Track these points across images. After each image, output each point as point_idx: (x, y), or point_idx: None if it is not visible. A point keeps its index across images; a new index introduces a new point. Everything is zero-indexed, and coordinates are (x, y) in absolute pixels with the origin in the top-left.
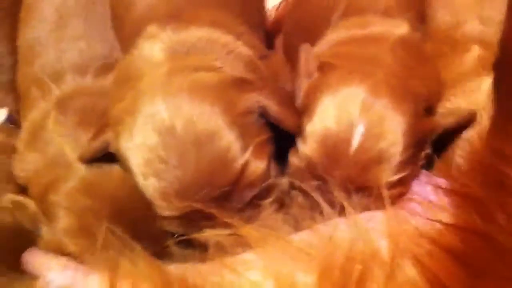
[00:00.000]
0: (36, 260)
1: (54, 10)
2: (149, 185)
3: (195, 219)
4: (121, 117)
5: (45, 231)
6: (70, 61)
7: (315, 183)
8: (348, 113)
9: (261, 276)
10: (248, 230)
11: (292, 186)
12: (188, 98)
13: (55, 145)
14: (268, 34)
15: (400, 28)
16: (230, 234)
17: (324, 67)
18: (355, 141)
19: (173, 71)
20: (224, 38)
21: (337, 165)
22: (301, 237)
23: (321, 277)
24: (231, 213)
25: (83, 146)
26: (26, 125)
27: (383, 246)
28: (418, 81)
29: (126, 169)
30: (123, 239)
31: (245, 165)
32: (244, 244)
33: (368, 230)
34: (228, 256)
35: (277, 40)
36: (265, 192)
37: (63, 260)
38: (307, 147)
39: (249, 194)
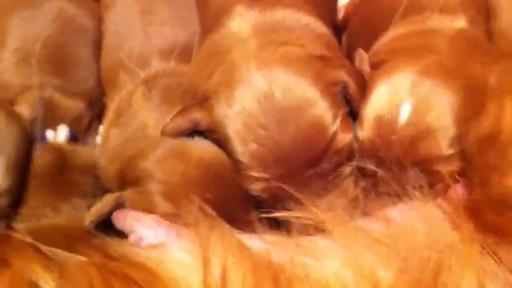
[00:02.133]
0: (128, 216)
1: None
2: (248, 150)
3: (282, 194)
4: (215, 90)
5: (131, 192)
6: (156, 47)
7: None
8: (398, 94)
9: (340, 265)
10: (329, 216)
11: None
12: (282, 68)
13: (138, 120)
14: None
15: (459, 22)
16: (310, 218)
17: (378, 64)
18: (403, 117)
19: (263, 45)
20: (305, 18)
21: (390, 144)
22: (377, 226)
23: (400, 270)
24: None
25: (166, 123)
26: (112, 105)
27: (456, 237)
28: (478, 65)
29: (222, 139)
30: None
31: (335, 133)
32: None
33: (442, 220)
34: (307, 239)
35: (342, 38)
36: (346, 161)
37: (155, 217)
38: (363, 131)
39: (335, 161)
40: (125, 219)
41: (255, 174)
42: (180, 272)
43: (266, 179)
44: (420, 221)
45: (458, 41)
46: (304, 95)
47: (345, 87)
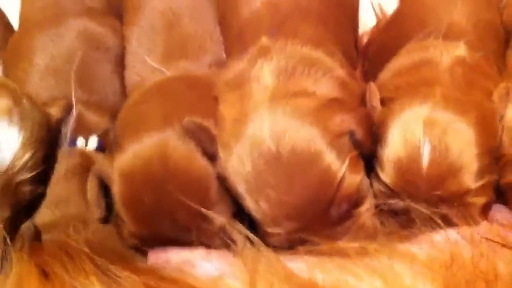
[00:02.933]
0: (178, 255)
1: (163, 10)
2: (259, 209)
3: (300, 235)
4: (227, 143)
5: None
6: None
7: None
8: (413, 135)
9: (382, 284)
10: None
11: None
12: (291, 124)
13: None
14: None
15: (458, 49)
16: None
17: (388, 101)
18: (425, 160)
19: (276, 97)
20: (323, 58)
21: (415, 187)
22: (420, 249)
23: None
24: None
25: None
26: None
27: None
28: (481, 92)
29: (234, 193)
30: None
31: (343, 180)
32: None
33: (487, 248)
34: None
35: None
36: (359, 203)
37: (201, 251)
38: (385, 175)
39: (346, 206)
40: (177, 259)
41: (269, 230)
42: None
43: (281, 234)
44: (464, 247)
45: (458, 70)
46: (311, 151)
47: (352, 134)
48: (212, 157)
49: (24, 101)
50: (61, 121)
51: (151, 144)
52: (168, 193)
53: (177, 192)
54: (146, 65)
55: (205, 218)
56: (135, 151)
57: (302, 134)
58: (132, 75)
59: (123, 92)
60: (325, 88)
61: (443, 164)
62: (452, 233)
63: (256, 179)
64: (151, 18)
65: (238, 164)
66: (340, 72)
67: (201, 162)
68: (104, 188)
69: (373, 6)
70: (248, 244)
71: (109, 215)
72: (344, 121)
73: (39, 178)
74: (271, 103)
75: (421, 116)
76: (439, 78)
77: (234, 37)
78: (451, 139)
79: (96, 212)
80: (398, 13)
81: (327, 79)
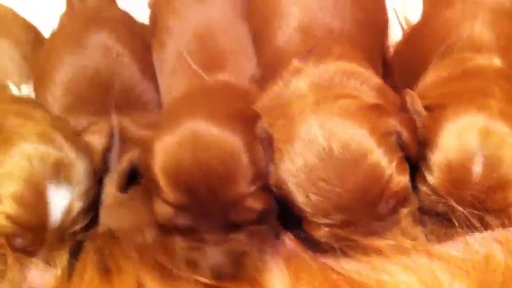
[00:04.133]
0: None
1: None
2: (311, 203)
3: (346, 237)
4: (278, 147)
5: None
6: None
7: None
8: (468, 143)
9: (419, 283)
10: (401, 240)
11: (422, 211)
12: (339, 122)
13: None
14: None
15: (496, 61)
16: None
17: (434, 107)
18: (477, 169)
19: (320, 100)
20: (357, 68)
21: (463, 193)
22: (456, 250)
23: None
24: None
25: None
26: None
27: None
28: None
29: (284, 194)
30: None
31: (391, 177)
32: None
33: None
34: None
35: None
36: (404, 203)
37: None
38: (433, 178)
39: (392, 204)
40: None
41: (319, 220)
42: None
43: (330, 225)
44: (499, 250)
45: (501, 81)
46: (361, 147)
47: (399, 136)
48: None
49: (70, 150)
50: (106, 149)
51: (194, 124)
52: (210, 167)
53: (219, 167)
54: (186, 75)
55: (243, 203)
56: (180, 129)
57: (351, 131)
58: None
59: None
60: (366, 94)
61: (494, 175)
62: (487, 235)
63: (307, 173)
64: (185, 33)
65: (289, 162)
66: (377, 80)
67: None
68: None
69: (398, 19)
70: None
71: None
72: (390, 122)
73: (90, 221)
74: (316, 104)
75: (477, 125)
76: (490, 90)
77: (268, 62)
78: (505, 152)
79: (116, 187)
80: (421, 25)
81: (366, 86)
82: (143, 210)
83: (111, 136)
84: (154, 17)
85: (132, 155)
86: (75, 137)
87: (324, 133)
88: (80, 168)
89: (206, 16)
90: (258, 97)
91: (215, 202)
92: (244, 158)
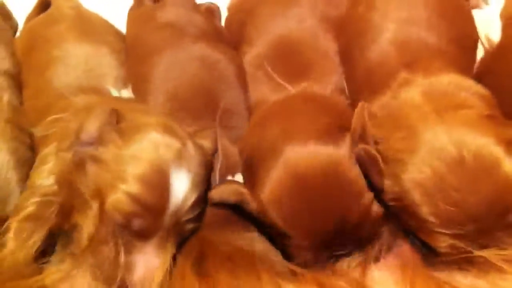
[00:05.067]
0: None
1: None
2: (439, 212)
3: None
4: (399, 158)
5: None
6: None
7: None
8: None
9: None
10: None
11: None
12: (467, 131)
13: None
14: None
15: None
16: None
17: None
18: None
19: (439, 110)
20: (466, 81)
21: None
22: None
23: None
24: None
25: None
26: None
27: None
28: None
29: (406, 205)
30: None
31: None
32: None
33: None
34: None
35: None
36: None
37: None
38: None
39: None
40: None
41: (446, 230)
42: None
43: (457, 235)
44: None
45: None
46: (492, 156)
47: None
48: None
49: (190, 143)
50: (213, 154)
51: (309, 157)
52: (333, 200)
53: (342, 198)
54: (268, 85)
55: (369, 215)
56: (286, 170)
57: (481, 140)
58: (256, 96)
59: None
60: (478, 105)
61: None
62: None
63: (437, 183)
64: (272, 42)
65: (414, 172)
66: (485, 92)
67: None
68: None
69: (480, 38)
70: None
71: None
72: (508, 130)
73: (199, 215)
74: (437, 114)
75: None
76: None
77: (360, 75)
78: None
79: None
80: (501, 45)
81: (476, 98)
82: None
83: (216, 143)
84: (233, 26)
85: (239, 193)
86: (190, 134)
87: (452, 141)
88: (197, 160)
89: (289, 27)
90: (346, 108)
91: (346, 224)
92: (355, 172)
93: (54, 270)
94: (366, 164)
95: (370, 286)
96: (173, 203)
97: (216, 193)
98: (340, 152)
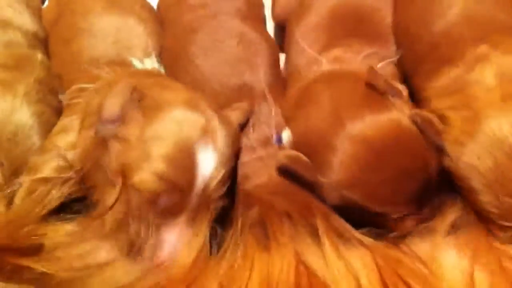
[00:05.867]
0: None
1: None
2: (500, 204)
3: None
4: (459, 139)
5: None
6: None
7: None
8: None
9: None
10: None
11: None
12: None
13: None
14: None
15: None
16: None
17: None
18: None
19: (506, 97)
20: None
21: None
22: None
23: None
24: None
25: None
26: None
27: None
28: None
29: (465, 188)
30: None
31: None
32: None
33: None
34: None
35: None
36: None
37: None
38: None
39: None
40: None
41: (506, 223)
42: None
43: None
44: None
45: None
46: None
47: None
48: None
49: (215, 118)
50: (241, 127)
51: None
52: (409, 161)
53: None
54: (303, 56)
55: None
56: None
57: None
58: (290, 67)
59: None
60: None
61: None
62: None
63: (498, 175)
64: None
65: (474, 160)
66: None
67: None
68: None
69: None
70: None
71: None
72: None
73: (229, 191)
74: (504, 103)
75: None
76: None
77: (424, 47)
78: None
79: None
80: None
81: None
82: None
83: (248, 115)
84: None
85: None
86: (216, 108)
87: None
88: (223, 135)
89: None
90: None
91: (426, 181)
92: (416, 130)
93: (59, 230)
94: (423, 127)
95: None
96: (200, 181)
97: (289, 159)
98: (395, 115)
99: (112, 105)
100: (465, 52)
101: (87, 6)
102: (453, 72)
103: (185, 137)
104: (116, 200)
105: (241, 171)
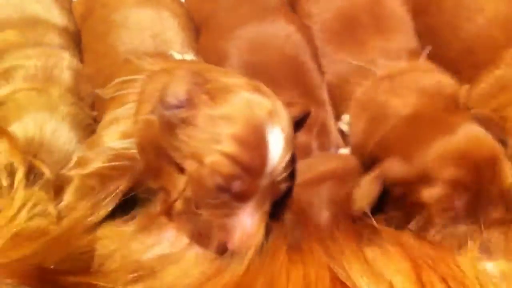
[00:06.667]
0: None
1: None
2: None
3: None
4: None
5: None
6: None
7: None
8: None
9: None
10: None
11: None
12: None
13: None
14: None
15: None
16: None
17: None
18: None
19: None
20: None
21: None
22: None
23: None
24: None
25: None
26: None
27: None
28: None
29: None
30: None
31: None
32: None
33: None
34: None
35: None
36: None
37: None
38: None
39: None
40: None
41: None
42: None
43: None
44: None
45: None
46: None
47: None
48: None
49: (279, 103)
50: (296, 120)
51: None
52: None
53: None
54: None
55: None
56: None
57: None
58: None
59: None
60: None
61: None
62: None
63: None
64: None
65: None
66: None
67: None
68: None
69: None
70: None
71: None
72: None
73: (291, 174)
74: None
75: None
76: None
77: (456, 53)
78: None
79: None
80: None
81: None
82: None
83: (304, 113)
84: None
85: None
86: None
87: None
88: (287, 120)
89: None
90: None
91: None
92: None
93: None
94: (486, 124)
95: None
96: (270, 163)
97: (361, 199)
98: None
99: (177, 90)
100: (503, 54)
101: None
102: (494, 75)
103: (256, 118)
104: (186, 186)
105: None
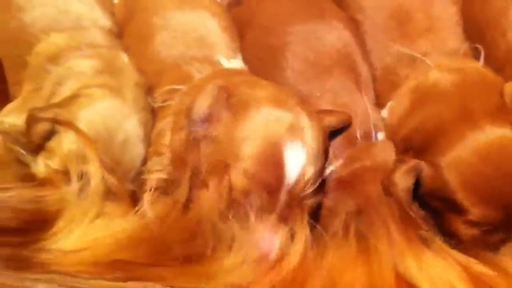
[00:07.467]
0: None
1: None
2: None
3: None
4: None
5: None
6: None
7: None
8: None
9: None
10: None
11: None
12: None
13: None
14: None
15: None
16: None
17: None
18: None
19: None
20: None
21: None
22: None
23: None
24: None
25: None
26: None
27: None
28: None
29: None
30: None
31: None
32: None
33: None
34: None
35: None
36: None
37: None
38: None
39: None
40: None
41: None
42: None
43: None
44: None
45: None
46: None
47: None
48: None
49: (303, 115)
50: (334, 133)
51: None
52: None
53: None
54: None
55: None
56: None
57: None
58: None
59: None
60: None
61: None
62: None
63: None
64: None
65: None
66: None
67: None
68: None
69: None
70: None
71: None
72: None
73: (320, 188)
74: None
75: None
76: None
77: (502, 54)
78: None
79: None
80: None
81: None
82: None
83: (345, 123)
84: None
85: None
86: (305, 105)
87: None
88: (312, 133)
89: None
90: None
91: None
92: None
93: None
94: None
95: None
96: (289, 179)
97: (401, 181)
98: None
99: (201, 106)
100: None
101: (159, 2)
102: None
103: (272, 136)
104: (209, 200)
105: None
